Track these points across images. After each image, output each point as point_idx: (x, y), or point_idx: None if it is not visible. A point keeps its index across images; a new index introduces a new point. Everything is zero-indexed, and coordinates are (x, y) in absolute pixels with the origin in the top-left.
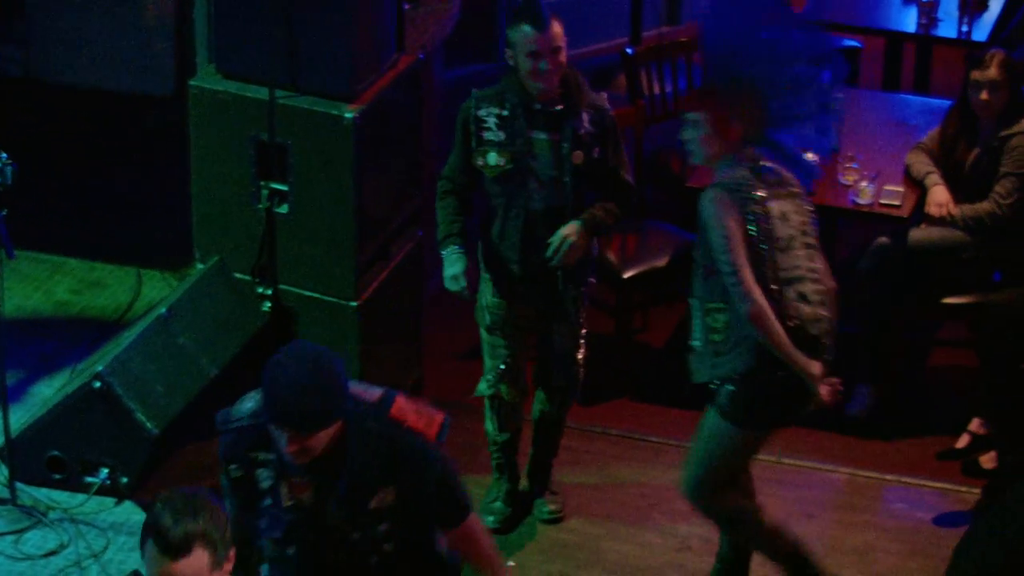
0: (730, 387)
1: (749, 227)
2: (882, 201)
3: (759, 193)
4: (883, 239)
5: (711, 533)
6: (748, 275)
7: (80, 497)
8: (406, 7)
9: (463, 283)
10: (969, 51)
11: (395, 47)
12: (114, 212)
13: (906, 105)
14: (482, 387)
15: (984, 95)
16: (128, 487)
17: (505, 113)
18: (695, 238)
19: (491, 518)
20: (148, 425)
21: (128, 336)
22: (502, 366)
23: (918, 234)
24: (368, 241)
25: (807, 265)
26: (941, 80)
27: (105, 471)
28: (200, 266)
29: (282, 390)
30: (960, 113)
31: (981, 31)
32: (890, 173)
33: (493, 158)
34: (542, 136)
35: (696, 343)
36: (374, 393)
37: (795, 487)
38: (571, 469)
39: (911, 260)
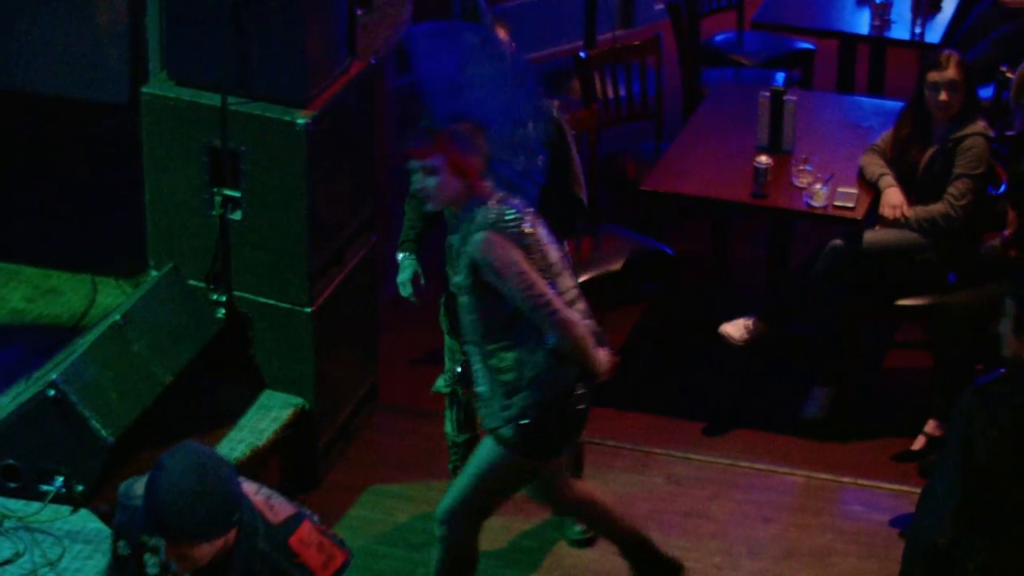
0: (524, 422)
1: (531, 257)
2: (836, 203)
3: (527, 223)
4: (837, 241)
5: (667, 537)
6: (558, 301)
7: (35, 505)
8: (358, 12)
9: (409, 289)
10: (923, 52)
11: (347, 53)
12: (68, 219)
13: (860, 107)
14: (439, 383)
15: (943, 96)
16: (83, 495)
17: None
18: (465, 279)
19: (576, 528)
20: (103, 433)
21: (82, 343)
22: (459, 368)
23: (872, 236)
24: (322, 247)
25: (573, 284)
26: (895, 82)
27: (60, 479)
28: (154, 273)
29: (163, 496)
30: (913, 114)
31: (934, 33)
32: (844, 175)
33: None
34: None
35: (481, 389)
36: (281, 512)
37: (751, 490)
38: None
39: (865, 262)
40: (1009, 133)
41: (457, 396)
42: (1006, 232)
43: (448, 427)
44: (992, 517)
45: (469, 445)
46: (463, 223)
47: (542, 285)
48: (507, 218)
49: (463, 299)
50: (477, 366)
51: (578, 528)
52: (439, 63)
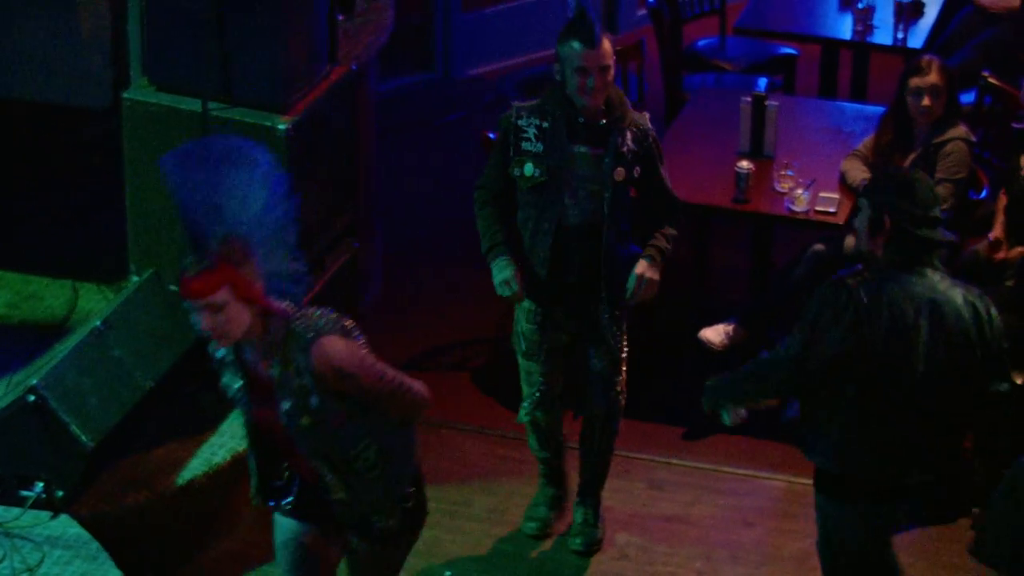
0: (407, 504)
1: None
2: (817, 208)
3: (345, 321)
4: (818, 246)
5: (649, 542)
6: (403, 376)
7: (15, 511)
8: (340, 18)
9: (515, 287)
10: (907, 58)
11: (328, 58)
12: (50, 225)
13: (842, 112)
14: (521, 415)
15: (926, 101)
16: (63, 501)
17: (546, 125)
18: (307, 401)
19: (532, 524)
20: (83, 438)
21: (63, 349)
22: (537, 394)
23: (854, 241)
24: (303, 252)
25: None
26: (877, 87)
27: (40, 485)
28: (135, 279)
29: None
30: (895, 120)
31: (917, 38)
32: (826, 180)
33: (529, 169)
34: (583, 150)
35: (341, 495)
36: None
37: (733, 495)
38: (507, 479)
39: (847, 267)
40: (1017, 125)
41: (536, 423)
42: (991, 235)
43: (531, 442)
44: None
45: (553, 459)
46: (270, 348)
47: (388, 369)
48: (325, 320)
49: (304, 423)
50: (332, 477)
51: (579, 540)
52: (194, 185)
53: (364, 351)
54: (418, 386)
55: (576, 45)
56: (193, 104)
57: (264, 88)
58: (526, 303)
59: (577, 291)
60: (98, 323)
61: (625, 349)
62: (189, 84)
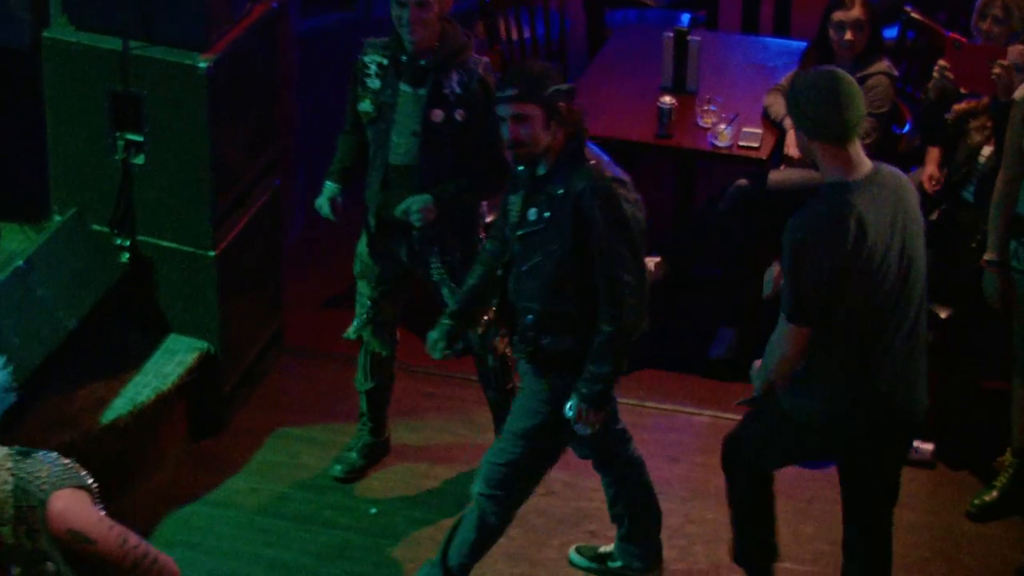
0: None
1: None
2: (741, 143)
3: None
4: (742, 181)
5: (575, 478)
6: (149, 547)
7: None
8: None
9: (327, 210)
10: None
11: None
12: None
13: (765, 47)
14: (348, 331)
15: (848, 35)
16: None
17: (385, 62)
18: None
19: (339, 467)
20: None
21: None
22: (364, 314)
23: (777, 176)
24: (225, 191)
25: None
26: (800, 22)
27: None
28: (57, 218)
29: None
30: (817, 53)
31: None
32: (748, 115)
33: (366, 105)
34: (407, 89)
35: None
36: None
37: (658, 431)
38: (435, 416)
39: (771, 202)
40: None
41: (363, 342)
42: (927, 172)
43: (359, 374)
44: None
45: (375, 394)
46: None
47: (131, 534)
48: (56, 471)
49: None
50: None
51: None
52: None
53: (102, 514)
54: (164, 560)
55: None
56: (113, 43)
57: (185, 26)
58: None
59: (397, 228)
60: (20, 263)
61: None
62: (109, 23)
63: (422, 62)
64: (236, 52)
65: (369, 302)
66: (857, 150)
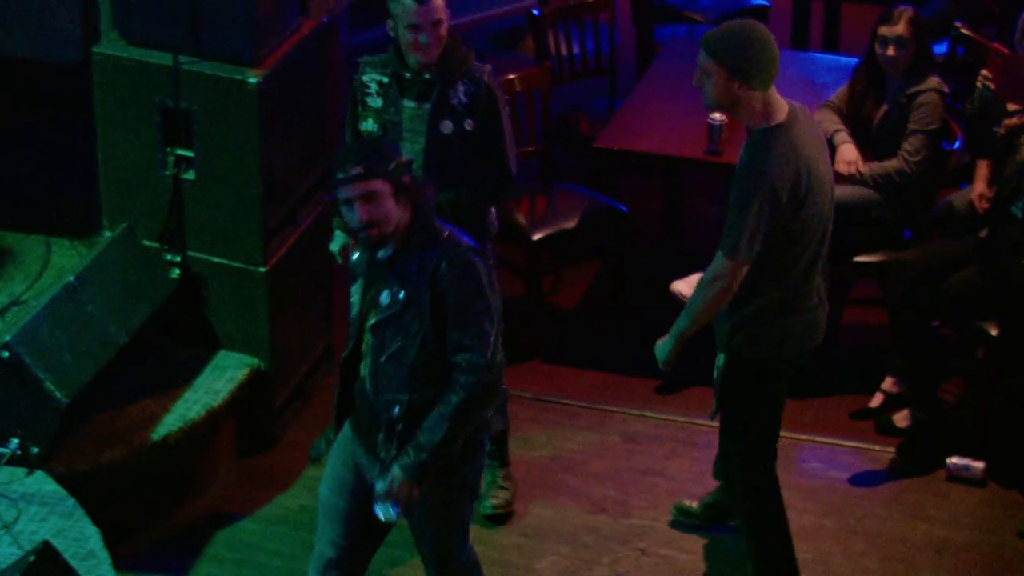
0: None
1: None
2: None
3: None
4: None
5: (625, 495)
6: None
7: None
8: None
9: (339, 258)
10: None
11: (299, 11)
12: (22, 181)
13: (814, 63)
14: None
15: (891, 51)
16: (39, 457)
17: (385, 80)
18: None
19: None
20: (58, 394)
21: (37, 305)
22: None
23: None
24: (275, 206)
25: None
26: (849, 38)
27: (15, 441)
28: (108, 234)
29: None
30: (868, 70)
31: None
32: None
33: (369, 124)
34: (411, 105)
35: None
36: None
37: (708, 448)
38: None
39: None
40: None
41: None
42: (976, 191)
43: None
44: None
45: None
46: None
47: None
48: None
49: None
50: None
51: (490, 503)
52: None
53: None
54: None
55: (407, 1)
56: (164, 58)
57: (235, 41)
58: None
59: None
60: (72, 279)
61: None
62: (160, 38)
63: (427, 76)
64: (286, 67)
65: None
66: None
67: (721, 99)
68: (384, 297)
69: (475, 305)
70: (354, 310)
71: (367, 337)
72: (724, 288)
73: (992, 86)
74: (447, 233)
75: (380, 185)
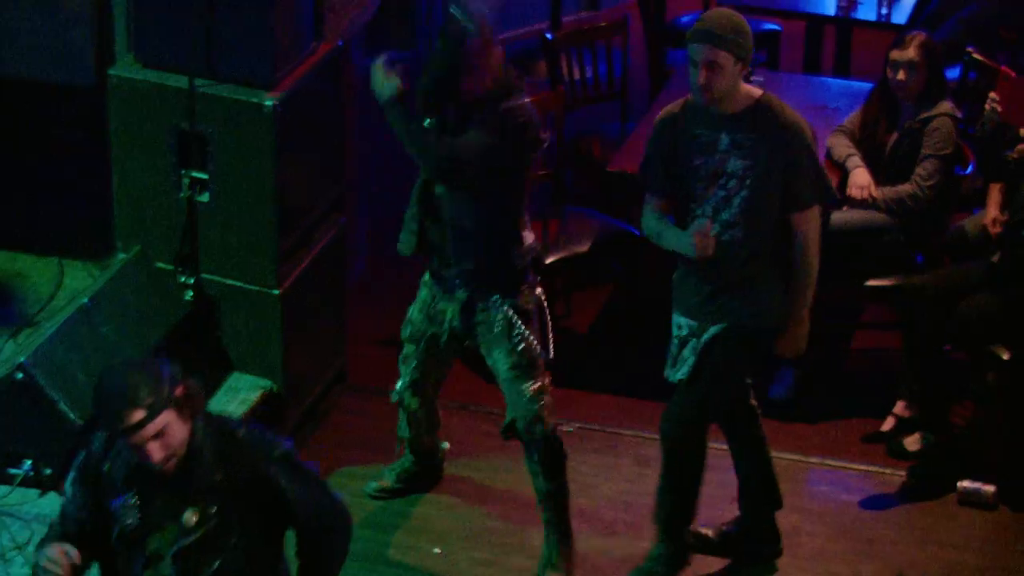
0: None
1: None
2: None
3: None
4: None
5: (636, 518)
6: None
7: (3, 489)
8: None
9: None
10: (897, 34)
11: (314, 34)
12: (35, 202)
13: (827, 88)
14: (392, 395)
15: (901, 75)
16: (52, 478)
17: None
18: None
19: (374, 484)
20: (71, 416)
21: (50, 326)
22: (408, 378)
23: (840, 217)
24: (290, 229)
25: None
26: (861, 63)
27: (28, 462)
28: (122, 255)
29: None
30: (881, 95)
31: (901, 14)
32: None
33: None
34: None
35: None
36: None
37: (719, 471)
38: (495, 455)
39: (833, 243)
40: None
41: (403, 405)
42: (989, 215)
43: (401, 424)
44: None
45: (413, 444)
46: None
47: None
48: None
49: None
50: None
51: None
52: None
53: None
54: None
55: None
56: (180, 81)
57: (251, 64)
58: (423, 294)
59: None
60: (85, 300)
61: (530, 351)
62: (175, 60)
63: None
64: (302, 90)
65: (416, 364)
66: None
67: (730, 87)
68: (186, 519)
69: (316, 496)
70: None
71: (168, 571)
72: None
73: (999, 108)
74: (243, 432)
75: (166, 416)
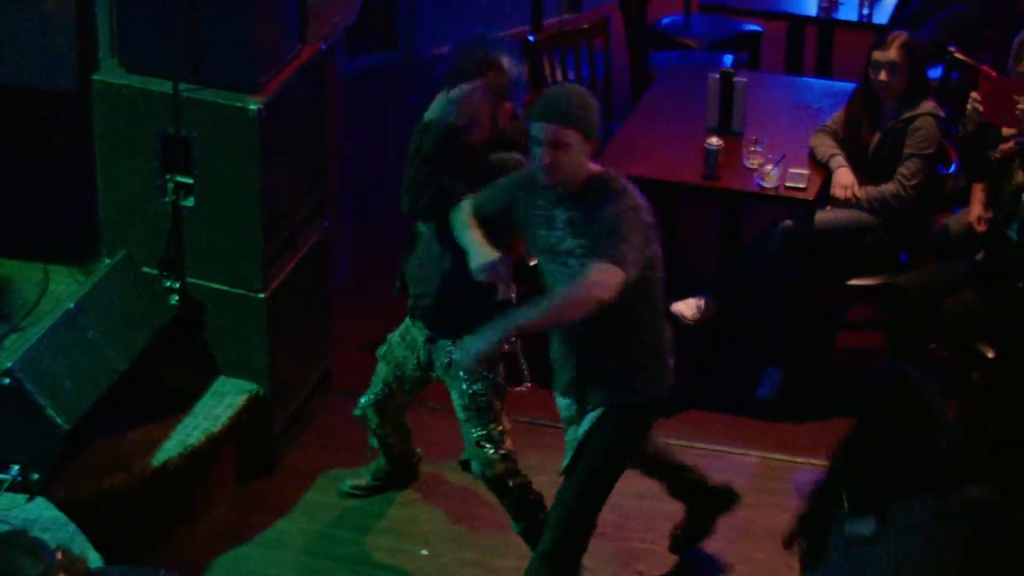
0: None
1: None
2: (787, 184)
3: None
4: (789, 222)
5: (622, 519)
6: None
7: None
8: None
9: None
10: (878, 34)
11: (298, 38)
12: (19, 208)
13: (809, 88)
14: (356, 409)
15: (884, 75)
16: (39, 483)
17: None
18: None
19: (349, 482)
20: (59, 420)
21: (37, 332)
22: (374, 394)
23: (824, 216)
24: (274, 232)
25: None
26: (843, 63)
27: (16, 468)
28: (107, 260)
29: None
30: (864, 95)
31: (882, 14)
32: (795, 156)
33: None
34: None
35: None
36: None
37: (707, 471)
38: None
39: (817, 242)
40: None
41: (366, 421)
42: (973, 213)
43: (371, 438)
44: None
45: (384, 449)
46: None
47: None
48: None
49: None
50: None
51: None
52: None
53: None
54: None
55: None
56: (164, 86)
57: (235, 68)
58: (407, 319)
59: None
60: (71, 305)
61: (482, 396)
62: (160, 65)
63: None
64: (286, 94)
65: (383, 385)
66: None
67: (577, 167)
68: None
69: None
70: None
71: None
72: (600, 299)
73: (981, 108)
74: None
75: None
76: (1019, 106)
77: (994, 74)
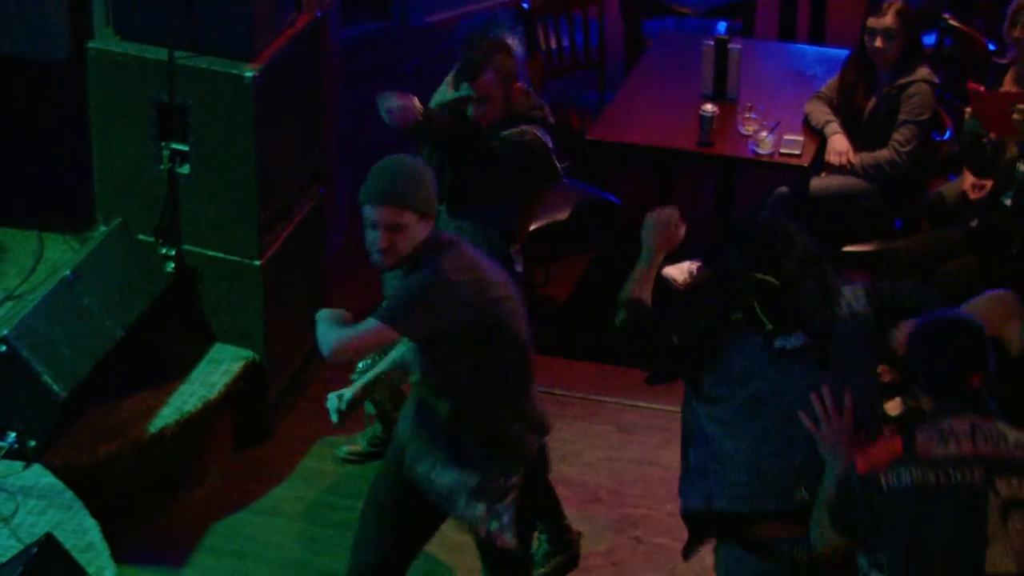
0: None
1: None
2: (782, 151)
3: None
4: (783, 188)
5: (619, 484)
6: None
7: None
8: None
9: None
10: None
11: (293, 5)
12: (13, 176)
13: (803, 55)
14: (353, 372)
15: (879, 42)
16: (36, 450)
17: None
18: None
19: (345, 448)
20: (55, 388)
21: (32, 299)
22: (368, 361)
23: (818, 182)
24: (270, 200)
25: None
26: (836, 30)
27: (13, 435)
28: (103, 228)
29: None
30: (858, 62)
31: None
32: (789, 123)
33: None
34: None
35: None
36: None
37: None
38: None
39: (812, 209)
40: (1000, 60)
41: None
42: (969, 180)
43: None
44: None
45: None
46: None
47: None
48: None
49: None
50: None
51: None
52: None
53: None
54: None
55: None
56: (159, 53)
57: (231, 36)
58: None
59: None
60: (68, 273)
61: None
62: (155, 33)
63: None
64: (281, 61)
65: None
66: None
67: (413, 247)
68: None
69: None
70: None
71: None
72: (365, 346)
73: (979, 120)
74: None
75: None
76: (1014, 116)
77: (982, 88)
